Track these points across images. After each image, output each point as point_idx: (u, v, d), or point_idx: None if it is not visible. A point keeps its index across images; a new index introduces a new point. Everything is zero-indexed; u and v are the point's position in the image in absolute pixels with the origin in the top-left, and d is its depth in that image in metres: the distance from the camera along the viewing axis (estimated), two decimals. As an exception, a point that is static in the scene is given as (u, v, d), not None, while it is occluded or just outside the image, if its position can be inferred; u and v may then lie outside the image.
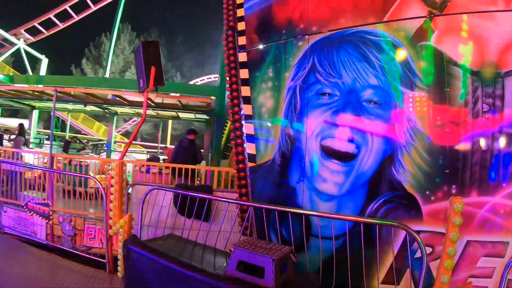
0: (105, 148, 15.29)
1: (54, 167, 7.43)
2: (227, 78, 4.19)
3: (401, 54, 3.26)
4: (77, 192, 6.25)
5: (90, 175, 6.04)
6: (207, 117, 12.06)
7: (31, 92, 11.36)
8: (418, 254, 3.04)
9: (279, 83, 3.78)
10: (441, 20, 3.14)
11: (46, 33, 20.65)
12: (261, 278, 2.23)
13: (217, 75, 17.72)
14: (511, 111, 2.97)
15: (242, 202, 3.67)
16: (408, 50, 3.23)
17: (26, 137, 12.15)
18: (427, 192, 3.11)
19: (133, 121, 30.93)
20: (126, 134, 32.24)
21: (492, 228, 3.02)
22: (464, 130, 3.05)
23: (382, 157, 3.28)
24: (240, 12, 4.11)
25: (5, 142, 12.90)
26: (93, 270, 4.27)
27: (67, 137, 17.52)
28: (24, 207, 5.96)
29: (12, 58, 24.81)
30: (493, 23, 3.01)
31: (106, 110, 13.46)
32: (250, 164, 3.93)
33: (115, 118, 14.46)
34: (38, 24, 19.90)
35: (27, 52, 18.84)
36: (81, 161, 8.32)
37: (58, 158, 8.13)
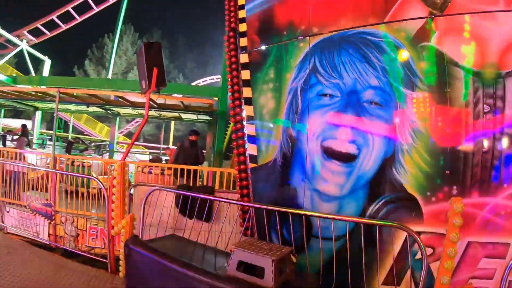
0: (108, 149, 15.35)
1: (57, 167, 7.47)
2: (229, 79, 4.20)
3: (402, 55, 3.26)
4: (79, 192, 6.28)
5: (92, 176, 6.06)
6: (209, 118, 12.10)
7: (34, 93, 11.42)
8: (419, 255, 3.04)
9: (280, 84, 3.79)
10: (441, 20, 3.14)
11: (49, 35, 20.74)
12: (261, 278, 2.24)
13: (220, 76, 17.75)
14: (512, 112, 2.97)
15: (242, 203, 3.68)
16: (408, 50, 3.24)
17: (29, 137, 12.22)
18: (428, 193, 3.11)
19: (135, 122, 31.06)
20: (129, 135, 32.37)
21: (493, 229, 3.01)
22: (465, 131, 3.05)
23: (383, 158, 3.28)
24: (242, 14, 4.12)
25: (8, 143, 12.97)
26: (95, 270, 4.29)
27: (69, 138, 17.57)
28: (27, 207, 6.01)
29: (15, 59, 25.01)
30: (493, 23, 3.01)
31: (108, 111, 13.51)
32: (251, 165, 3.94)
33: (117, 119, 14.52)
34: (41, 25, 19.99)
35: (30, 53, 18.93)
36: (84, 162, 8.36)
37: (61, 158, 8.17)
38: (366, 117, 3.34)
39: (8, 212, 6.30)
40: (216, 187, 6.55)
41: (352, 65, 3.41)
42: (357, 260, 2.90)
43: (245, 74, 4.03)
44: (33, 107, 14.22)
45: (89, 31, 34.14)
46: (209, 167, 8.69)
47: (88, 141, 21.21)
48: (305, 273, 3.03)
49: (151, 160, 10.41)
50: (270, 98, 3.86)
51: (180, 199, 4.50)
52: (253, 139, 3.94)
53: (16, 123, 21.51)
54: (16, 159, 7.30)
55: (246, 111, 4.00)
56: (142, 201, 3.90)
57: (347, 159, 3.42)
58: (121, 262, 4.15)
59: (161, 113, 12.76)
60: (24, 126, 11.24)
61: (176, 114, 12.89)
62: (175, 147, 9.13)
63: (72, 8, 20.05)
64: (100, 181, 4.79)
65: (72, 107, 13.23)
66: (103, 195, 4.70)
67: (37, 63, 22.88)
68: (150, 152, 21.58)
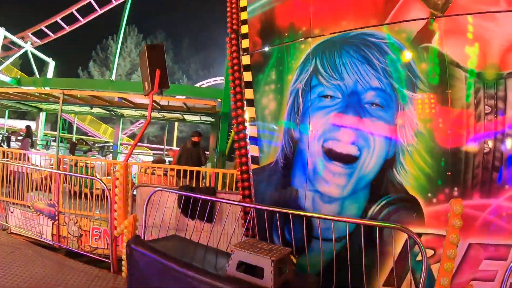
0: (112, 150, 15.41)
1: (61, 168, 7.52)
2: (231, 81, 4.22)
3: (403, 56, 3.27)
4: (83, 193, 6.32)
5: (96, 177, 6.10)
6: (213, 120, 12.13)
7: (38, 94, 11.49)
8: (420, 257, 3.03)
9: (282, 86, 3.81)
10: (442, 21, 3.14)
11: (53, 36, 20.88)
12: (261, 279, 2.25)
13: (223, 78, 17.80)
14: (513, 113, 2.96)
15: (243, 204, 3.69)
16: (409, 52, 3.24)
17: (33, 138, 12.30)
18: (429, 194, 3.10)
19: (139, 123, 31.16)
20: (133, 136, 32.50)
21: (494, 231, 3.00)
22: (466, 132, 3.04)
23: (384, 159, 3.28)
24: (244, 15, 4.14)
25: (12, 144, 13.06)
26: (97, 270, 4.33)
27: (73, 139, 17.66)
28: (31, 207, 6.05)
29: (19, 60, 25.17)
30: (494, 24, 3.01)
31: (112, 112, 13.57)
32: (253, 166, 3.95)
33: (121, 120, 14.57)
34: (45, 27, 20.12)
35: (34, 55, 19.05)
36: (87, 163, 8.41)
37: (65, 159, 8.23)
38: (367, 118, 3.34)
39: (12, 212, 6.35)
40: (219, 188, 6.57)
41: (353, 66, 3.42)
42: (357, 262, 2.90)
43: (247, 76, 4.05)
44: (37, 109, 14.30)
45: (93, 32, 34.34)
46: (212, 168, 8.72)
47: (92, 142, 21.30)
48: (305, 273, 3.03)
49: (154, 161, 10.44)
50: (271, 99, 3.87)
51: (182, 200, 4.52)
52: (255, 140, 3.95)
53: (20, 124, 21.66)
54: (20, 159, 7.35)
55: (248, 112, 4.01)
56: (145, 202, 3.93)
57: (348, 160, 3.42)
58: (123, 262, 4.18)
59: (165, 114, 12.80)
60: (28, 127, 11.32)
61: (179, 116, 12.93)
62: (178, 148, 9.17)
63: (75, 10, 20.17)
64: (103, 182, 4.82)
65: (76, 108, 13.30)
66: (106, 196, 4.73)
67: (41, 65, 23.06)
68: (154, 153, 21.66)
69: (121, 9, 18.29)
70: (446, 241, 2.58)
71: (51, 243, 5.90)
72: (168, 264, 2.52)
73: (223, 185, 6.89)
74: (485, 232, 3.00)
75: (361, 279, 2.86)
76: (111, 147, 16.46)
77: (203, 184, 7.11)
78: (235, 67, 4.17)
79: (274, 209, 3.27)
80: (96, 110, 13.16)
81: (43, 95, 11.36)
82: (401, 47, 3.27)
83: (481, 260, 3.02)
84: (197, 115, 11.97)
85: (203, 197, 3.67)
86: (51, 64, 20.18)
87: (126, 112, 13.54)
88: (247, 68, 4.06)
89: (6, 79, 15.37)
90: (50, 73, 20.13)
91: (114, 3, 20.79)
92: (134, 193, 5.22)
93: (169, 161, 11.52)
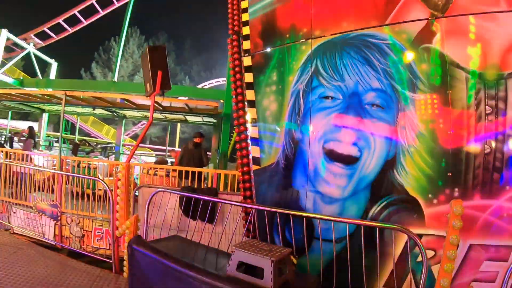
0: (114, 151, 15.45)
1: (63, 169, 7.55)
2: (232, 82, 4.23)
3: (403, 57, 3.27)
4: (85, 194, 6.34)
5: (98, 178, 6.12)
6: (215, 121, 12.15)
7: (41, 95, 11.54)
8: (420, 258, 3.03)
9: (283, 87, 3.82)
10: (443, 22, 3.15)
11: (55, 38, 20.92)
12: (261, 279, 2.26)
13: (225, 79, 17.82)
14: (514, 113, 2.96)
15: (244, 205, 3.70)
16: (410, 52, 3.25)
17: (36, 139, 12.34)
18: (430, 195, 3.10)
19: (141, 124, 31.25)
20: (135, 137, 32.59)
21: (495, 232, 3.00)
22: (467, 133, 3.04)
23: (384, 160, 3.29)
24: (245, 17, 4.16)
25: (15, 144, 13.11)
26: (99, 270, 4.34)
27: (76, 140, 17.73)
28: (33, 208, 6.08)
29: (22, 62, 25.23)
30: (495, 24, 3.01)
31: (115, 114, 13.61)
32: (254, 167, 3.96)
33: (123, 121, 14.62)
34: (48, 28, 20.17)
35: (37, 56, 19.11)
36: (90, 164, 8.44)
37: (67, 160, 8.26)
38: (367, 119, 3.35)
39: (14, 213, 6.38)
40: (221, 189, 6.58)
41: (354, 67, 3.43)
42: (358, 262, 2.90)
43: (248, 77, 4.06)
44: (40, 110, 14.35)
45: (96, 34, 34.45)
46: (214, 169, 8.73)
47: (95, 143, 21.37)
48: (306, 274, 3.04)
49: (156, 162, 10.46)
50: (273, 100, 3.88)
51: (183, 200, 4.53)
52: (256, 141, 3.96)
53: (23, 125, 21.71)
54: (23, 160, 7.38)
55: (250, 113, 4.03)
56: (146, 202, 3.94)
57: (349, 161, 3.43)
58: (125, 263, 4.19)
59: (167, 115, 12.83)
60: (30, 128, 11.36)
61: (181, 117, 12.96)
62: (180, 149, 9.19)
63: (78, 11, 20.23)
64: (105, 183, 4.84)
65: (79, 109, 13.37)
66: (108, 196, 4.75)
67: (44, 66, 23.12)
68: (156, 154, 21.70)
69: (123, 10, 18.37)
70: (446, 242, 2.58)
71: (53, 243, 5.92)
72: (169, 264, 2.53)
73: (225, 186, 6.90)
74: (486, 233, 2.99)
75: (361, 280, 2.86)
76: (113, 148, 16.50)
77: (205, 185, 7.13)
78: (236, 69, 4.19)
79: (275, 209, 3.28)
80: (98, 111, 13.22)
81: (45, 96, 11.41)
82: (401, 48, 3.27)
83: (481, 261, 3.02)
84: (199, 116, 12.01)
85: (204, 197, 3.68)
86: (54, 65, 20.25)
87: (128, 113, 13.58)
88: (248, 69, 4.08)
89: (9, 80, 15.42)
90: (52, 75, 20.19)
91: (117, 5, 20.84)
92: (136, 193, 5.24)
93: (171, 162, 11.54)
